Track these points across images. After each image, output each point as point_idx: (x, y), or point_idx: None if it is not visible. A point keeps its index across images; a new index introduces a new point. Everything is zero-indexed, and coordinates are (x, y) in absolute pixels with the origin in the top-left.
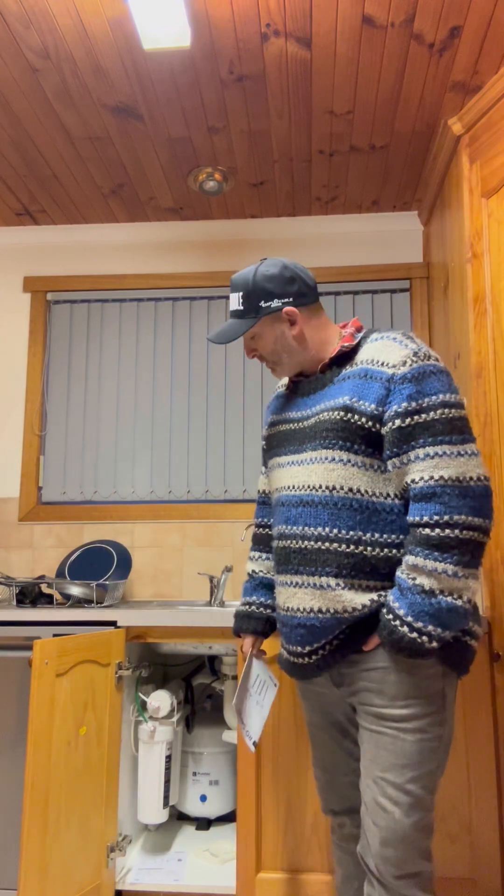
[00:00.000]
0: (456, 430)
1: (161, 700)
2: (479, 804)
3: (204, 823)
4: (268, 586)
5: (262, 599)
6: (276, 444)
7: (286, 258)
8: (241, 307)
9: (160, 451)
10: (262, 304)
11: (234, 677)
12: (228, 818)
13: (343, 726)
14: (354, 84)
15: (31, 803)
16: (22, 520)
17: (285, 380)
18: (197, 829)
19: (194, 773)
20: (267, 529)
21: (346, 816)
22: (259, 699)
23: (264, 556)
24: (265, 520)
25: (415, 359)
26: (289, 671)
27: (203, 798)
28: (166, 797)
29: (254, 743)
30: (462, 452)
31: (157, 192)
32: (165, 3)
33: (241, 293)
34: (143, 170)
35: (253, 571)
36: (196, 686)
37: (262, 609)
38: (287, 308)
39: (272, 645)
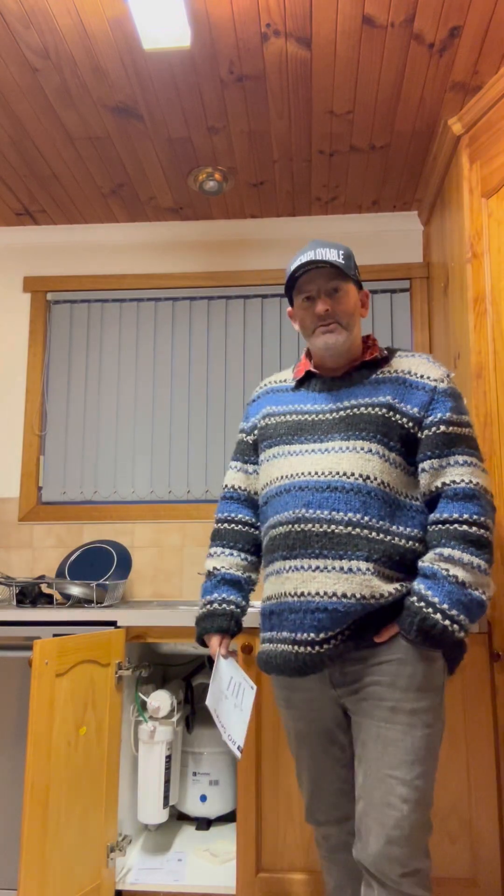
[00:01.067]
0: (478, 450)
1: (161, 700)
2: (479, 804)
3: (204, 823)
4: (231, 583)
5: (225, 596)
6: (283, 432)
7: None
8: (342, 261)
9: (160, 451)
10: (355, 272)
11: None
12: (228, 818)
13: (331, 733)
14: (354, 84)
15: (31, 803)
16: (22, 520)
17: (285, 375)
18: (197, 829)
19: (194, 773)
20: (237, 525)
21: (332, 827)
22: (237, 702)
23: (227, 551)
24: (235, 515)
25: (449, 380)
26: (286, 667)
27: (203, 798)
28: (166, 797)
29: (238, 748)
30: (484, 469)
31: (157, 192)
32: (165, 3)
33: (341, 251)
34: (143, 170)
35: (214, 568)
36: (196, 686)
37: (224, 605)
38: (366, 290)
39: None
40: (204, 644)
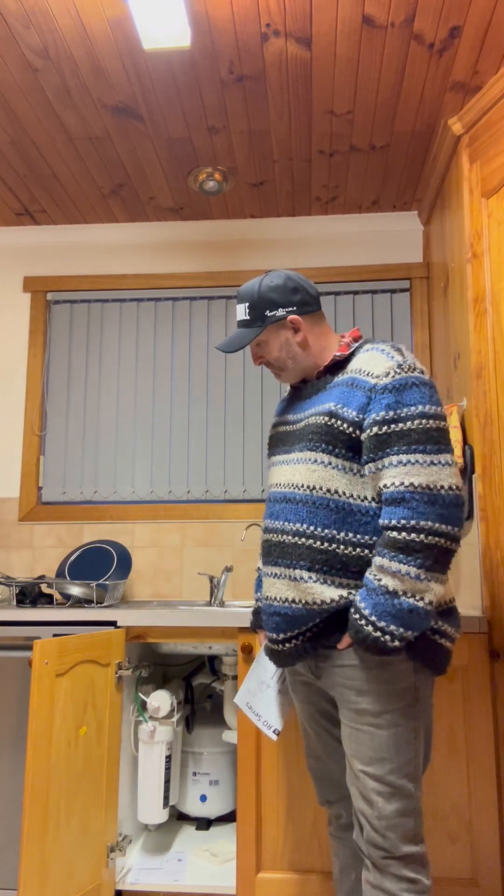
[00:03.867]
0: (431, 441)
1: (161, 700)
2: (479, 804)
3: (204, 823)
4: None
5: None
6: (274, 444)
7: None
8: (248, 317)
9: (160, 452)
10: (268, 313)
11: (235, 677)
12: (228, 818)
13: (331, 714)
14: (354, 84)
15: (31, 803)
16: (22, 520)
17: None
18: (197, 829)
19: (194, 773)
20: None
21: (341, 807)
22: (283, 688)
23: None
24: None
25: (398, 370)
26: (270, 657)
27: (203, 798)
28: (166, 797)
29: (275, 731)
30: (435, 462)
31: (157, 192)
32: (165, 3)
33: (247, 304)
34: (143, 170)
35: (258, 568)
36: (196, 686)
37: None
38: (291, 316)
39: None
40: (254, 632)
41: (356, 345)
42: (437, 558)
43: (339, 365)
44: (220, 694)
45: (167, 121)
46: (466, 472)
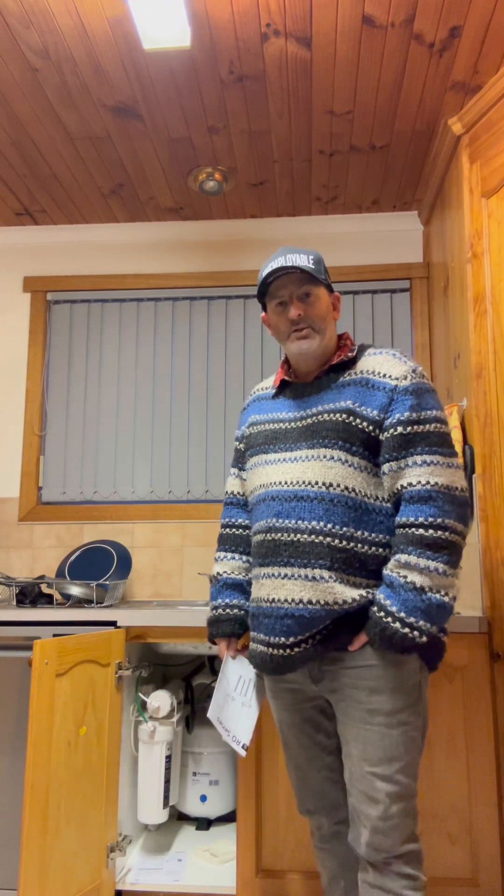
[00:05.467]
0: (446, 444)
1: (161, 700)
2: (479, 804)
3: (204, 823)
4: (233, 586)
5: (229, 601)
6: (262, 441)
7: None
8: (312, 266)
9: (160, 451)
10: (326, 276)
11: None
12: (228, 818)
13: (315, 721)
14: (354, 84)
15: (31, 803)
16: (22, 520)
17: (269, 381)
18: (197, 829)
19: (194, 773)
20: (237, 529)
21: (322, 816)
22: (245, 700)
23: (229, 556)
24: (235, 520)
25: (414, 375)
26: (263, 666)
27: (203, 798)
28: (166, 797)
29: (243, 746)
30: (450, 464)
31: (157, 192)
32: (165, 3)
33: (311, 256)
34: (143, 170)
35: (218, 573)
36: (196, 686)
37: (229, 610)
38: (336, 293)
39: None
40: (213, 642)
41: (356, 347)
42: (457, 556)
43: (342, 365)
44: None
45: (167, 121)
46: (467, 472)
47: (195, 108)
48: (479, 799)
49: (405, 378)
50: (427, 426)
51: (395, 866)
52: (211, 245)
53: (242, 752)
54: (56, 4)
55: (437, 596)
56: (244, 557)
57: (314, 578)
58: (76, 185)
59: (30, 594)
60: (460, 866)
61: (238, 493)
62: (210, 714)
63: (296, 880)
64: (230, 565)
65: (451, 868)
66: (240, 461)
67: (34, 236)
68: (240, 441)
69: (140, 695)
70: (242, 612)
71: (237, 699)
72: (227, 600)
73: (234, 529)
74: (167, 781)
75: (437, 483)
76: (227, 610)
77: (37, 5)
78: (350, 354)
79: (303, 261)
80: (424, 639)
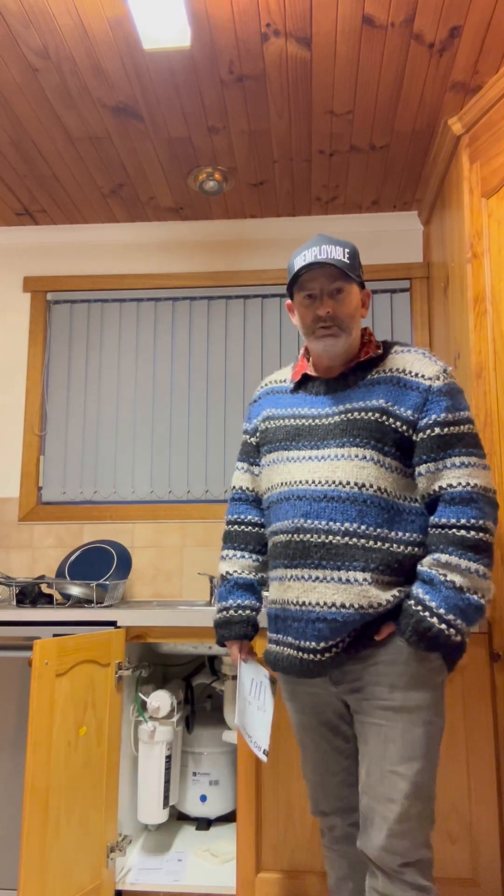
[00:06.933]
0: (479, 445)
1: (161, 700)
2: (479, 804)
3: (204, 823)
4: (244, 587)
5: (241, 602)
6: (282, 437)
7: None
8: (347, 261)
9: (160, 451)
10: (360, 271)
11: (234, 677)
12: (228, 818)
13: (334, 724)
14: (354, 84)
15: (31, 803)
16: (22, 520)
17: (284, 374)
18: (197, 829)
19: (194, 773)
20: (247, 527)
21: (336, 817)
22: (259, 704)
23: (238, 554)
24: (244, 516)
25: (446, 375)
26: (291, 669)
27: (203, 798)
28: (166, 797)
29: (265, 752)
30: (485, 466)
31: (157, 192)
32: (165, 3)
33: (347, 249)
34: (143, 170)
35: (227, 573)
36: (196, 686)
37: (241, 612)
38: (368, 290)
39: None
40: (222, 645)
41: (381, 344)
42: (493, 558)
43: (369, 363)
44: (220, 694)
45: (167, 121)
46: None
47: (195, 108)
48: (479, 799)
49: (438, 378)
50: (462, 427)
51: (406, 875)
52: (211, 245)
53: (264, 758)
54: (56, 4)
55: (476, 597)
56: (254, 556)
57: (348, 581)
58: (76, 185)
59: (30, 594)
60: (460, 866)
61: (247, 488)
62: (236, 722)
63: (296, 880)
64: (240, 564)
65: (451, 868)
66: (250, 456)
67: (34, 236)
68: (251, 435)
69: (140, 695)
70: (254, 613)
71: (252, 703)
72: (239, 601)
73: (243, 526)
74: (167, 781)
75: (476, 485)
76: (240, 611)
77: (37, 5)
78: (379, 351)
79: (338, 254)
80: (459, 638)
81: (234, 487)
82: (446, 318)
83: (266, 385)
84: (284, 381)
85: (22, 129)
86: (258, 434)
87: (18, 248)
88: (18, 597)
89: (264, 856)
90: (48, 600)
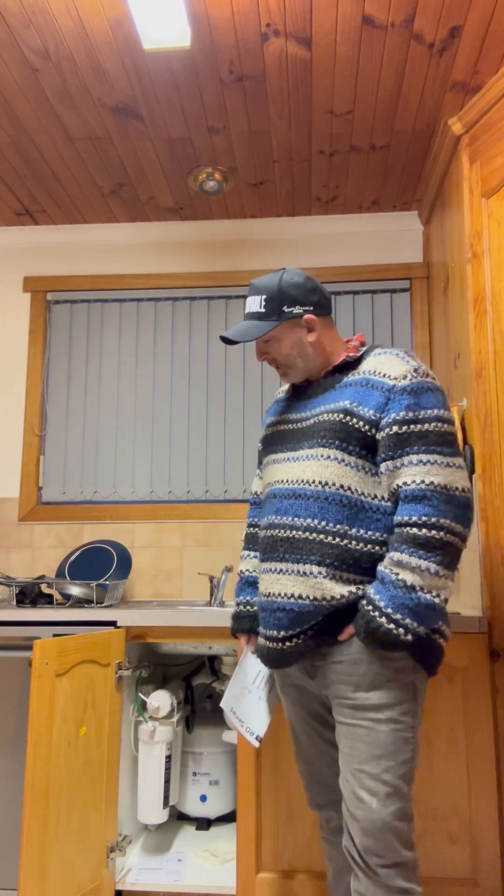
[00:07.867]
0: (447, 444)
1: (161, 700)
2: (479, 804)
3: (204, 823)
4: (252, 584)
5: (249, 598)
6: (273, 442)
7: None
8: (263, 309)
9: (160, 451)
10: (285, 308)
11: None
12: (228, 818)
13: (323, 717)
14: (354, 84)
15: (31, 803)
16: (22, 520)
17: (286, 385)
18: (197, 829)
19: (194, 773)
20: (257, 529)
21: (332, 810)
22: (261, 694)
23: (251, 554)
24: (256, 519)
25: (415, 374)
26: (262, 658)
27: (203, 798)
28: (166, 797)
29: (257, 738)
30: (450, 464)
31: (157, 192)
32: (165, 3)
33: (263, 296)
34: (143, 170)
35: (241, 571)
36: (196, 686)
37: (249, 607)
38: (308, 315)
39: None
40: (235, 636)
41: (364, 348)
42: (452, 557)
43: (347, 366)
44: (220, 694)
45: (167, 121)
46: (466, 472)
47: (195, 108)
48: (479, 799)
49: (404, 377)
50: (424, 425)
51: (388, 878)
52: (211, 245)
53: (256, 744)
54: (56, 4)
55: (428, 596)
56: None
57: (305, 574)
58: (76, 185)
59: (30, 594)
60: (460, 866)
61: (258, 493)
62: (223, 704)
63: (296, 880)
64: (251, 563)
65: (451, 868)
66: (260, 462)
67: (34, 236)
68: (260, 443)
69: (140, 695)
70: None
71: (254, 692)
72: (248, 597)
73: (255, 529)
74: (167, 781)
75: (432, 482)
76: (247, 607)
77: (37, 5)
78: (355, 355)
79: (255, 305)
80: (409, 637)
81: (252, 493)
82: (446, 318)
83: (275, 396)
84: (284, 391)
85: (22, 129)
86: (262, 441)
87: (18, 248)
88: (18, 597)
89: (264, 856)
90: (48, 600)
